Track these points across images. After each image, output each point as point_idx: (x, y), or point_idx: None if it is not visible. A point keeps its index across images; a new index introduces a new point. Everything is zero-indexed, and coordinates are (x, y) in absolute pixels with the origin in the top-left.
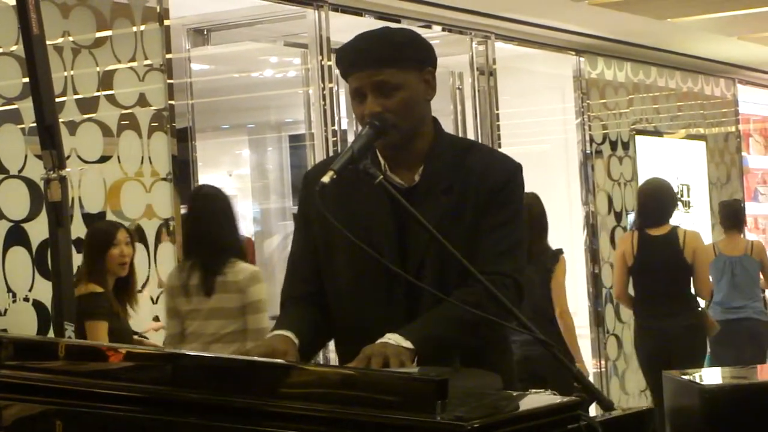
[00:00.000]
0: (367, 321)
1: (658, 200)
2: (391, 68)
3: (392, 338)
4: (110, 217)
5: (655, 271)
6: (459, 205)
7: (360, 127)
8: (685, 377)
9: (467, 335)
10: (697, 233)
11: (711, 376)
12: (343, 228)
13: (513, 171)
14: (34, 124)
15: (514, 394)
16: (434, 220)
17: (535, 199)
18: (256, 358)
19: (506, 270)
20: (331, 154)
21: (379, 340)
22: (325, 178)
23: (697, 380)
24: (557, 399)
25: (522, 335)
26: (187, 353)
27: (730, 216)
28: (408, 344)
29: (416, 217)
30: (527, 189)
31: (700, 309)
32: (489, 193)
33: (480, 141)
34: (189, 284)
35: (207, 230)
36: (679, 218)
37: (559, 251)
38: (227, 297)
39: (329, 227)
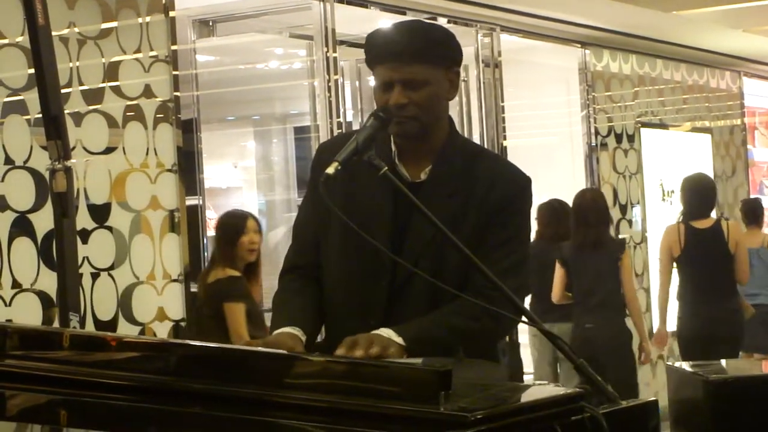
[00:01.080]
0: (349, 304)
1: (702, 194)
2: (423, 64)
3: (384, 332)
4: (115, 208)
5: (703, 261)
6: (462, 212)
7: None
8: (689, 369)
9: (460, 345)
10: (738, 225)
11: (715, 368)
12: (347, 219)
13: (522, 186)
14: (40, 115)
15: (518, 385)
16: (432, 227)
17: (598, 193)
18: (259, 348)
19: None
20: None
21: (372, 332)
22: (330, 170)
23: (701, 372)
24: (560, 390)
25: (583, 319)
26: (190, 343)
27: (751, 213)
28: (399, 340)
29: (421, 209)
30: (534, 181)
31: (739, 295)
32: (495, 206)
33: (485, 133)
34: None
35: None
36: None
37: (624, 240)
38: None
39: (328, 207)
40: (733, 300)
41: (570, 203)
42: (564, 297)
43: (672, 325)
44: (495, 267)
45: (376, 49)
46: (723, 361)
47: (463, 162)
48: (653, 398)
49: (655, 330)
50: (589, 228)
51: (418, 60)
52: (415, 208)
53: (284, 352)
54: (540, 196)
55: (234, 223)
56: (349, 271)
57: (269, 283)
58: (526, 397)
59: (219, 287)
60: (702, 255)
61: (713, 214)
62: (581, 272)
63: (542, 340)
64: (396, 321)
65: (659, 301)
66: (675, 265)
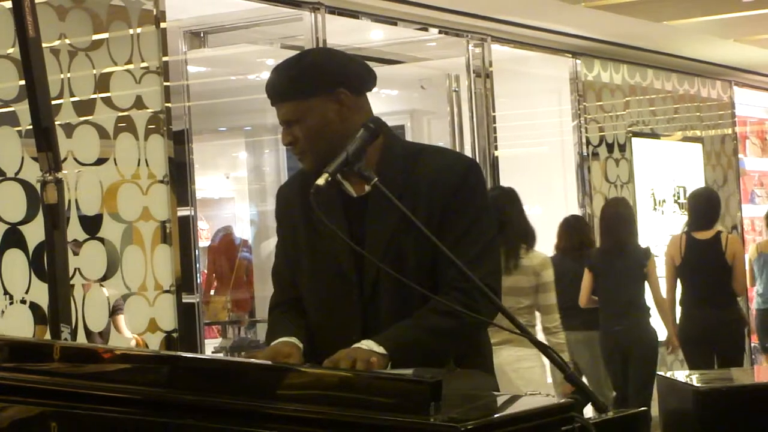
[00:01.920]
0: (325, 324)
1: (705, 207)
2: (289, 101)
3: (365, 344)
4: (106, 219)
5: (700, 271)
6: (412, 212)
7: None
8: (679, 379)
9: (443, 344)
10: (737, 238)
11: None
12: (337, 230)
13: (464, 172)
14: (31, 127)
15: (509, 395)
16: (387, 230)
17: (625, 202)
18: (251, 360)
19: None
20: None
21: (353, 346)
22: (320, 181)
23: (691, 382)
24: (551, 401)
25: (611, 322)
26: (182, 355)
27: None
28: (381, 350)
29: (412, 219)
30: (525, 190)
31: (738, 305)
32: (443, 199)
33: (477, 143)
34: None
35: (507, 222)
36: (675, 219)
37: (649, 248)
38: (523, 278)
39: (296, 232)
40: (729, 309)
41: (566, 214)
42: (590, 301)
43: None
44: (462, 258)
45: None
46: (714, 370)
47: (404, 164)
48: (643, 408)
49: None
50: (615, 235)
51: (285, 99)
52: (368, 218)
53: (276, 363)
54: (532, 205)
55: None
56: (322, 294)
57: (261, 293)
58: (517, 407)
59: None
60: (699, 265)
61: (720, 226)
62: (608, 277)
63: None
64: (375, 331)
65: (667, 308)
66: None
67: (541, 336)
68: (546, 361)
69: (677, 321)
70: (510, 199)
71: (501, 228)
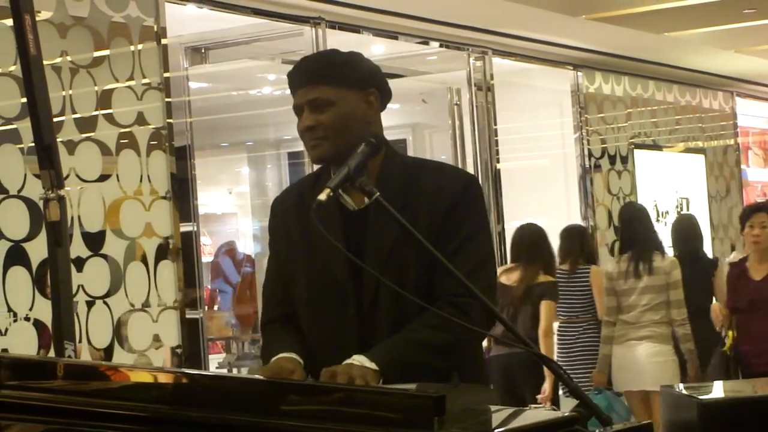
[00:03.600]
0: (321, 338)
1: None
2: (326, 85)
3: (357, 359)
4: (109, 236)
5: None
6: (412, 225)
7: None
8: (682, 390)
9: (435, 359)
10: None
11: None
12: (340, 246)
13: (464, 186)
14: (33, 144)
15: (513, 409)
16: (387, 244)
17: (693, 217)
18: (255, 376)
19: (470, 293)
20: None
21: (345, 362)
22: (322, 196)
23: (695, 394)
24: (555, 414)
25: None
26: (185, 371)
27: None
28: (373, 366)
29: (411, 231)
30: (527, 203)
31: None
32: (442, 213)
33: (479, 156)
34: (627, 270)
35: (639, 231)
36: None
37: (717, 259)
38: (657, 278)
39: (291, 247)
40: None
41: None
42: None
43: None
44: (458, 271)
45: (289, 80)
46: (719, 383)
47: (405, 178)
48: (648, 421)
49: None
50: (688, 245)
51: (320, 81)
52: (368, 231)
53: (279, 379)
54: (534, 218)
55: (537, 235)
56: (318, 308)
57: None
58: (521, 421)
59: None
60: None
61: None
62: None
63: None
64: (372, 346)
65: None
66: None
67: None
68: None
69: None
70: (643, 215)
71: (634, 239)
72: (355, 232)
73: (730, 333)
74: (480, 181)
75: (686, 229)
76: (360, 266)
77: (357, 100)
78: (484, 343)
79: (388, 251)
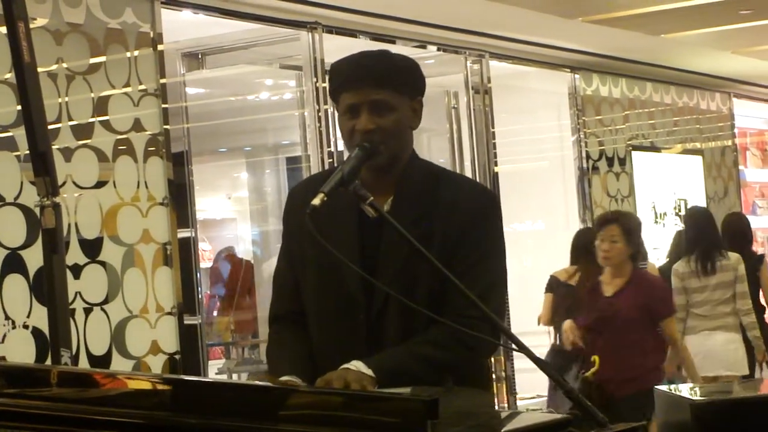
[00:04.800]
0: (328, 343)
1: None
2: (391, 89)
3: (354, 365)
4: (107, 242)
5: None
6: (427, 238)
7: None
8: (676, 392)
9: (432, 375)
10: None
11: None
12: (336, 252)
13: (484, 205)
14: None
15: (507, 412)
16: (402, 252)
17: (743, 216)
18: (252, 382)
19: (479, 314)
20: None
21: (341, 366)
22: (316, 201)
23: (687, 395)
24: (550, 416)
25: None
26: (183, 378)
27: None
28: (369, 372)
29: (410, 239)
30: (526, 206)
31: None
32: (459, 228)
33: (476, 159)
34: (697, 269)
35: (704, 233)
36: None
37: (763, 256)
38: (726, 274)
39: (304, 247)
40: None
41: (567, 228)
42: None
43: None
44: (471, 290)
45: (343, 76)
46: (717, 384)
47: (425, 187)
48: (642, 422)
49: None
50: (738, 243)
51: (385, 85)
52: (384, 239)
53: (277, 385)
54: (533, 220)
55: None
56: (327, 312)
57: (264, 312)
58: (515, 424)
59: None
60: None
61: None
62: None
63: None
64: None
65: None
66: None
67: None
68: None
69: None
70: (706, 217)
71: (699, 240)
72: (370, 238)
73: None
74: None
75: (736, 227)
76: (368, 276)
77: (408, 107)
78: None
79: (402, 260)
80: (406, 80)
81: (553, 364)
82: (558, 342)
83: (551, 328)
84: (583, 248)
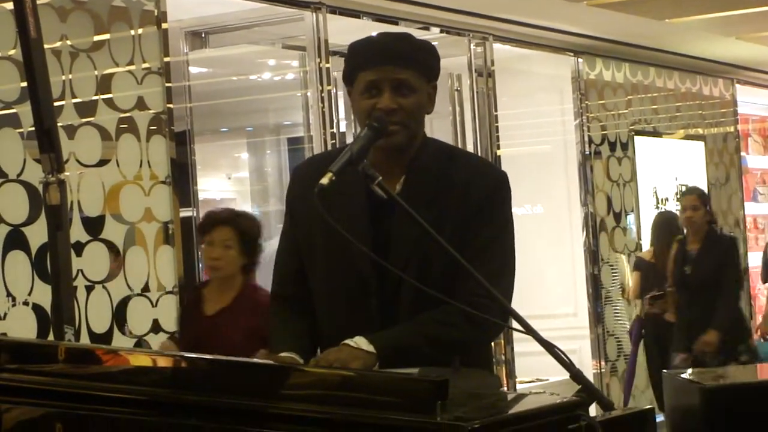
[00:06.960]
0: (340, 328)
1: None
2: (414, 70)
3: (355, 341)
4: (108, 220)
5: None
6: (440, 220)
7: (359, 127)
8: (685, 376)
9: (437, 354)
10: None
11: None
12: (344, 232)
13: (496, 184)
14: (33, 128)
15: (515, 394)
16: (414, 234)
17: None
18: (256, 360)
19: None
20: None
21: (342, 342)
22: (324, 180)
23: (697, 380)
24: (557, 399)
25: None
26: (185, 355)
27: None
28: (370, 348)
29: (417, 219)
30: (528, 189)
31: None
32: (471, 210)
33: (479, 142)
34: None
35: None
36: None
37: None
38: None
39: (311, 229)
40: None
41: (568, 213)
42: None
43: None
44: (482, 270)
45: (364, 54)
46: (723, 368)
47: (437, 168)
48: (649, 406)
49: None
50: None
51: (408, 65)
52: (395, 219)
53: (281, 363)
54: (534, 204)
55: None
56: (338, 293)
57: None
58: (523, 406)
59: None
60: None
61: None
62: None
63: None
64: None
65: None
66: None
67: None
68: None
69: None
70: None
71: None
72: (381, 219)
73: None
74: None
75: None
76: (380, 259)
77: (426, 90)
78: None
79: (414, 242)
80: (427, 62)
81: (636, 333)
82: (643, 314)
83: (638, 301)
84: (661, 229)
